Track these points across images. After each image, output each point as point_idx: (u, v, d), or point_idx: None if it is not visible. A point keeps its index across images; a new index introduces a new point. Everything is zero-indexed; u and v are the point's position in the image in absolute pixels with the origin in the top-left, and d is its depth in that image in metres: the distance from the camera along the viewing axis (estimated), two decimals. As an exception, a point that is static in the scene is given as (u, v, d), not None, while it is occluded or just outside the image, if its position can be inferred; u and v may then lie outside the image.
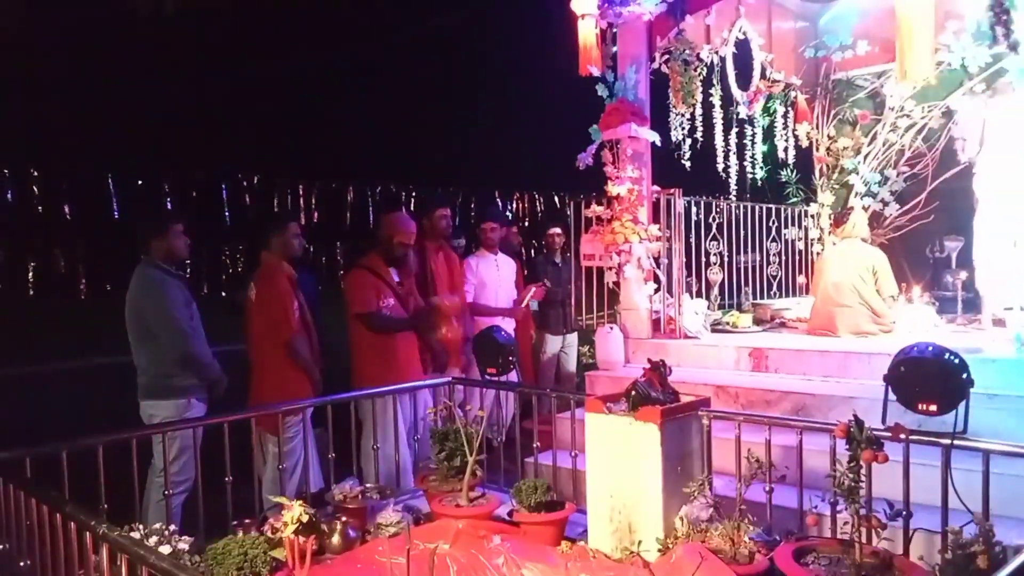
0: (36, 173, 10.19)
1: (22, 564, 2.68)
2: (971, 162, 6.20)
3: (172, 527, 2.72)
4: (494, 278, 6.30)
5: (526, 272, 7.43)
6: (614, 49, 5.74)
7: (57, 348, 9.22)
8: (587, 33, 5.42)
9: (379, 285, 5.06)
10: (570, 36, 5.51)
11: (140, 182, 10.46)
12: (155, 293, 4.44)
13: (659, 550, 2.90)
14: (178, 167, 11.17)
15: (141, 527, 2.70)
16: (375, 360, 4.99)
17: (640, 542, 2.94)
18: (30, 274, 11.42)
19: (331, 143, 15.68)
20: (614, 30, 5.71)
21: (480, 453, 3.54)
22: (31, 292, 11.51)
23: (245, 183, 11.36)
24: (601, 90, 5.64)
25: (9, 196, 10.00)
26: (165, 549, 2.57)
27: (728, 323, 6.19)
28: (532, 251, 9.52)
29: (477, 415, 3.60)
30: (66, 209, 10.69)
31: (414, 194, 12.44)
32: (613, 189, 5.59)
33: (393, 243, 5.12)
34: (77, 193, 10.58)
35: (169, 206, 9.98)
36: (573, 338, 7.15)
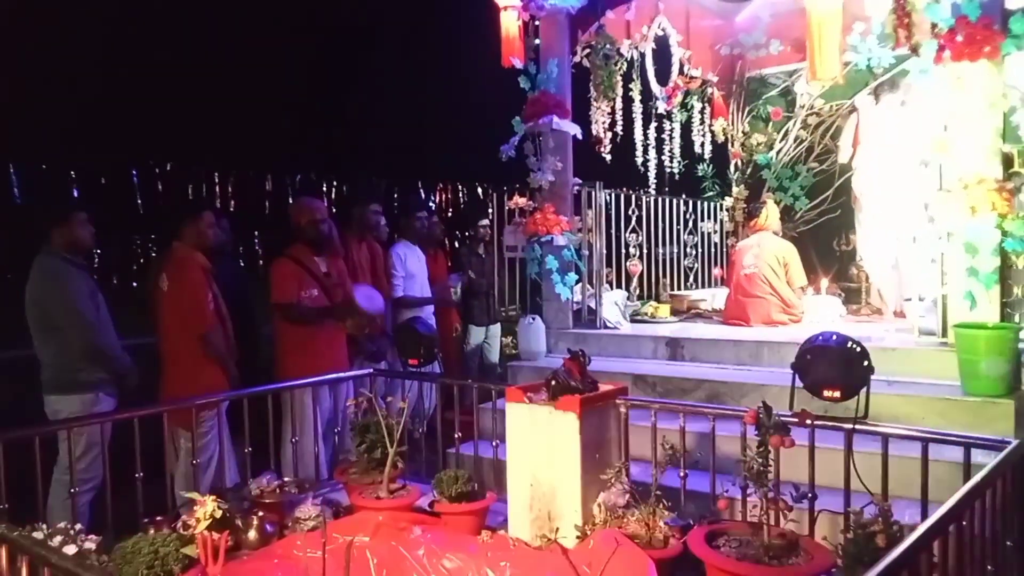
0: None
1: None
2: (846, 163, 6.56)
3: (78, 526, 2.63)
4: (420, 269, 6.26)
5: (450, 263, 7.43)
6: (536, 42, 5.77)
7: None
8: (509, 25, 5.44)
9: (301, 275, 4.98)
10: (494, 27, 5.52)
11: (44, 167, 9.95)
12: (58, 284, 4.26)
13: (577, 537, 2.96)
14: (87, 152, 10.70)
15: (44, 527, 2.60)
16: (295, 351, 4.92)
17: (558, 529, 2.99)
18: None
19: (250, 132, 15.29)
20: (536, 23, 5.73)
21: (401, 445, 3.53)
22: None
23: (158, 170, 10.96)
24: (523, 82, 5.67)
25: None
26: (70, 549, 2.48)
27: (647, 314, 6.32)
28: (456, 242, 9.50)
29: (399, 406, 3.59)
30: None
31: (334, 183, 12.25)
32: (535, 181, 5.63)
33: (305, 226, 5.06)
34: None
35: (76, 193, 9.53)
36: (496, 329, 7.18)
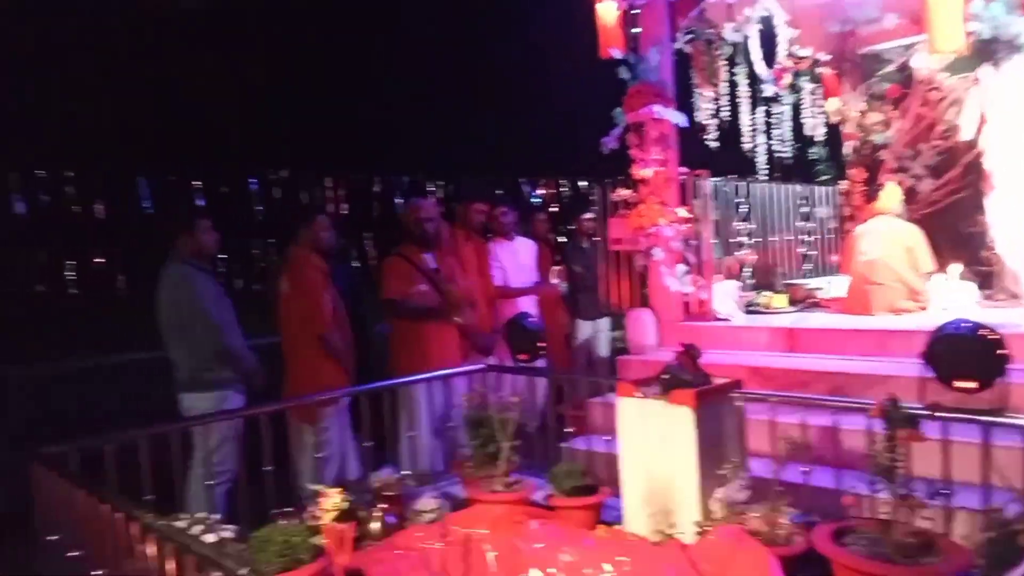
0: (70, 174, 10.37)
1: (72, 555, 2.75)
2: (971, 139, 6.11)
3: (216, 516, 2.78)
4: (513, 264, 6.29)
5: (558, 258, 7.43)
6: (636, 30, 5.69)
7: (96, 344, 9.42)
8: (607, 15, 5.38)
9: (410, 272, 5.10)
10: (591, 18, 5.48)
11: (170, 178, 10.60)
12: (186, 288, 4.51)
13: (697, 533, 2.91)
14: (208, 163, 11.32)
15: (185, 517, 2.76)
16: (406, 347, 5.05)
17: (675, 525, 2.95)
18: (69, 273, 11.65)
19: (357, 136, 15.78)
20: (635, 11, 5.65)
21: (514, 439, 3.57)
22: (70, 291, 11.75)
23: (274, 177, 11.48)
24: (623, 72, 5.60)
25: (45, 197, 10.20)
26: (209, 537, 2.62)
27: (761, 304, 6.14)
28: (562, 237, 9.50)
29: (511, 401, 3.62)
30: (100, 208, 10.88)
31: (440, 183, 12.49)
32: (639, 172, 5.56)
33: (412, 225, 5.18)
34: (109, 192, 10.78)
35: (200, 202, 10.10)
36: (604, 323, 7.13)
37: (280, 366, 4.86)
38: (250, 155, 12.98)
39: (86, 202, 10.76)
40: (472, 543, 2.80)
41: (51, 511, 2.90)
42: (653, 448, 3.08)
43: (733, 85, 6.52)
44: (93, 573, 2.55)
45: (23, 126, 11.96)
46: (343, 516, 2.74)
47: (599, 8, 5.36)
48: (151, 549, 2.19)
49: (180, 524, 2.55)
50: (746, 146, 6.87)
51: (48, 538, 2.90)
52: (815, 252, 7.34)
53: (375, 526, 3.15)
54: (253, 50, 12.47)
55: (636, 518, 3.14)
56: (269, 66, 12.01)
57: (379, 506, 3.25)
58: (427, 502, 3.33)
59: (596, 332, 7.02)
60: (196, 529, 2.66)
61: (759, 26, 6.46)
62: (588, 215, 7.11)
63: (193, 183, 10.77)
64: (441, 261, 5.29)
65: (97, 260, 11.55)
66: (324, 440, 4.48)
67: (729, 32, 6.20)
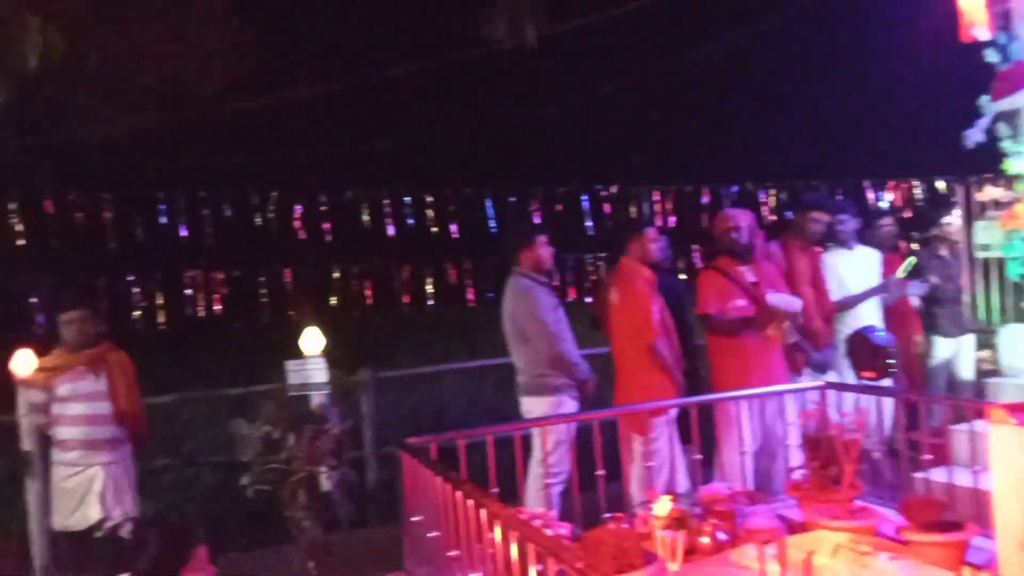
0: (430, 199, 11.78)
1: (432, 535, 3.08)
2: None
3: (553, 512, 2.94)
4: (853, 276, 5.74)
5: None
6: (1008, 6, 4.94)
7: (451, 351, 10.55)
8: (971, -8, 4.75)
9: (724, 285, 4.97)
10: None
11: (512, 199, 11.50)
12: (526, 300, 4.86)
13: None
14: (543, 183, 12.10)
15: (525, 511, 2.96)
16: (726, 363, 4.93)
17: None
18: (428, 287, 13.17)
19: (684, 147, 15.77)
20: (1005, -16, 4.91)
21: (858, 463, 3.28)
22: (429, 303, 13.28)
23: (604, 193, 11.89)
24: (991, 55, 4.89)
25: (410, 221, 11.67)
26: (547, 532, 2.77)
27: None
28: (915, 245, 8.56)
29: (854, 422, 3.34)
30: (453, 228, 12.16)
31: (771, 190, 11.96)
32: (1013, 167, 4.81)
33: (721, 236, 5.05)
34: (461, 213, 12.00)
35: (537, 220, 10.82)
36: (969, 341, 6.27)
37: (610, 375, 5.01)
38: (581, 174, 13.65)
39: (442, 223, 12.08)
40: (812, 570, 2.62)
41: (415, 495, 3.28)
42: (1036, 486, 2.63)
43: None
44: (449, 552, 2.83)
45: (392, 160, 13.89)
46: (673, 525, 2.73)
47: (960, -15, 4.76)
48: (497, 535, 2.38)
49: (521, 517, 2.73)
50: None
51: (412, 518, 3.28)
52: None
53: (705, 540, 3.09)
54: (589, 74, 13.10)
55: (1013, 565, 2.70)
56: (601, 88, 12.50)
57: (710, 520, 3.19)
58: (761, 521, 3.19)
59: (958, 351, 6.20)
60: (536, 523, 2.83)
61: None
62: (948, 219, 6.32)
63: (532, 203, 11.58)
64: (759, 273, 5.07)
65: (452, 274, 12.91)
66: (653, 450, 4.52)
67: None
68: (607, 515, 3.42)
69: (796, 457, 4.05)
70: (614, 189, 11.89)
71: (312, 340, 3.86)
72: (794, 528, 3.38)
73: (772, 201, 11.85)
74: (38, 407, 4.25)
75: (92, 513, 4.39)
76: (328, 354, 3.83)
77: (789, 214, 7.04)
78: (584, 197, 11.92)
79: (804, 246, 5.58)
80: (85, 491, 4.43)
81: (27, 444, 4.26)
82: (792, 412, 4.40)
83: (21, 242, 10.04)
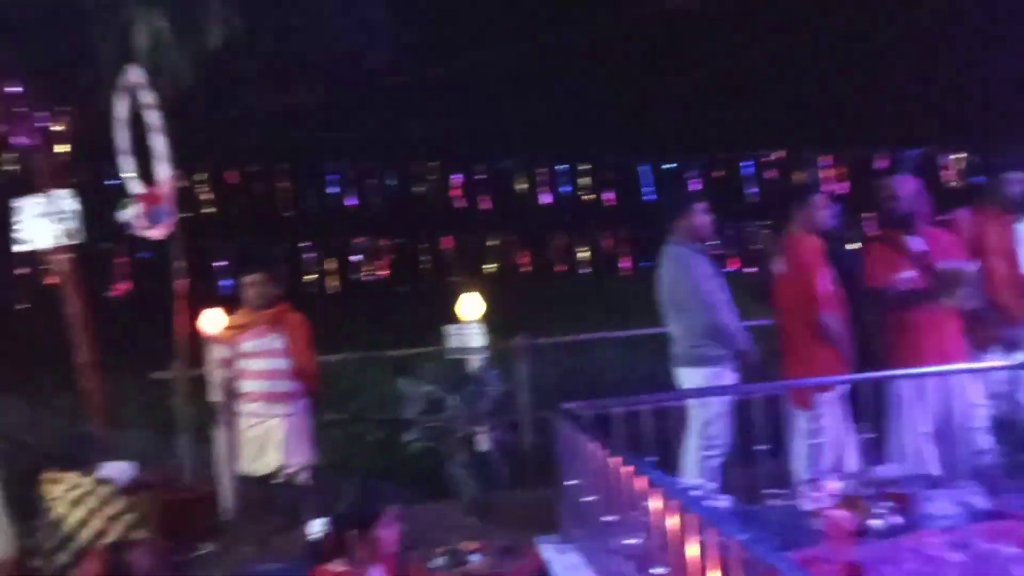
0: (586, 167, 11.71)
1: (587, 499, 3.09)
2: None
3: (713, 484, 2.87)
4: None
5: None
6: None
7: (606, 320, 10.50)
8: None
9: (891, 257, 4.62)
10: None
11: (670, 166, 11.20)
12: (682, 268, 4.74)
13: None
14: (703, 149, 11.68)
15: (684, 482, 2.90)
16: (897, 339, 4.59)
17: None
18: (583, 255, 13.17)
19: (854, 111, 14.68)
20: None
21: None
22: (584, 271, 13.28)
23: (767, 159, 11.33)
24: None
25: (565, 188, 11.68)
26: (707, 503, 2.71)
27: None
28: None
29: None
30: (610, 196, 12.05)
31: (959, 155, 10.92)
32: None
33: (883, 203, 4.71)
34: (618, 180, 11.84)
35: (697, 186, 10.51)
36: None
37: (775, 347, 4.81)
38: (744, 139, 13.04)
39: (596, 191, 11.97)
40: (998, 561, 2.41)
41: (570, 460, 3.29)
42: None
43: None
44: (604, 518, 2.83)
45: (549, 128, 13.89)
46: (843, 506, 2.60)
47: None
48: (656, 503, 2.35)
49: (681, 486, 2.68)
50: None
51: (567, 483, 3.31)
52: None
53: (878, 523, 2.92)
54: (750, 36, 12.47)
55: None
56: (765, 51, 11.87)
57: (883, 503, 3.00)
58: (943, 507, 2.97)
59: None
60: (695, 494, 2.78)
61: None
62: None
63: (689, 170, 11.23)
64: (930, 242, 4.67)
65: (606, 243, 12.83)
66: (818, 427, 4.31)
67: None
68: (766, 490, 3.30)
69: (984, 441, 3.73)
70: (780, 154, 11.33)
71: (471, 306, 3.96)
72: (978, 516, 3.13)
73: (961, 164, 10.88)
74: (224, 362, 4.65)
75: (272, 460, 4.77)
76: (485, 320, 3.92)
77: (980, 178, 6.41)
78: (748, 163, 11.44)
79: (998, 213, 5.08)
80: (265, 440, 4.81)
81: (215, 395, 4.69)
82: (978, 392, 4.05)
83: (209, 210, 10.91)
